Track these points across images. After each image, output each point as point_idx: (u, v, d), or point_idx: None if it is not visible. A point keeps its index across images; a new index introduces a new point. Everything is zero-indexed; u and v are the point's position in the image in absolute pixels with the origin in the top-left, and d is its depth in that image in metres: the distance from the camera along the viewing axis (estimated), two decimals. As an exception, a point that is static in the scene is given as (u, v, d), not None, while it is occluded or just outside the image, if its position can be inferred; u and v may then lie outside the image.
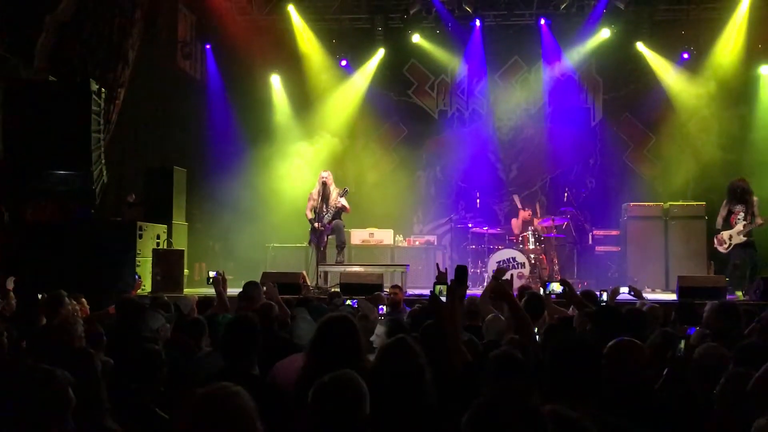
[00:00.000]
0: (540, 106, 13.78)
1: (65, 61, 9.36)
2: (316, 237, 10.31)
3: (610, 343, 3.30)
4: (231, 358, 3.45)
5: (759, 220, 9.57)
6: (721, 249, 9.91)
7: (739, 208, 9.74)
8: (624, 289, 6.44)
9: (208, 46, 13.20)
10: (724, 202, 10.01)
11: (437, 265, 4.76)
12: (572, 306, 5.98)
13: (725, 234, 9.79)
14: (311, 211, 10.36)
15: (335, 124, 13.68)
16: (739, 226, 9.70)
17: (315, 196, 10.35)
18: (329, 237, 10.44)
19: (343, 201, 10.31)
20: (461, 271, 3.70)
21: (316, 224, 10.21)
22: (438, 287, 4.04)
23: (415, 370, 2.84)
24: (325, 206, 10.25)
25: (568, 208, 11.86)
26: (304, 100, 13.73)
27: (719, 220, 9.97)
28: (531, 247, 11.17)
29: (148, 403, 3.20)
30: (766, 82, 12.50)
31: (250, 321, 3.62)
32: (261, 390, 2.72)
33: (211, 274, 6.01)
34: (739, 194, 9.74)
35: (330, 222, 10.28)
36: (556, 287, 5.54)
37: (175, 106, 12.24)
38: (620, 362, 3.21)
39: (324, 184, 10.30)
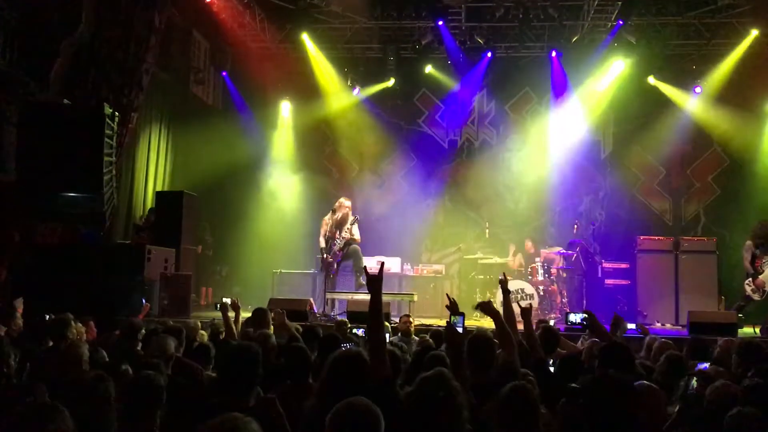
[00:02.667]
0: (550, 137, 13.79)
1: (80, 84, 9.46)
2: (326, 266, 10.18)
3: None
4: (227, 388, 3.38)
5: None
6: (755, 297, 9.54)
7: (763, 251, 9.48)
8: (631, 326, 6.39)
9: (224, 73, 13.32)
10: (749, 244, 9.68)
11: (447, 295, 4.71)
12: (581, 340, 5.94)
13: (757, 282, 9.47)
14: (323, 238, 10.23)
15: (345, 152, 13.75)
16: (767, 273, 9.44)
17: (328, 221, 10.18)
18: (344, 263, 10.26)
19: (355, 231, 10.10)
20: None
21: (325, 255, 10.09)
22: (454, 318, 4.03)
23: (452, 406, 2.80)
24: (338, 233, 10.11)
25: (577, 240, 11.81)
26: (315, 128, 13.83)
27: (747, 264, 9.62)
28: (540, 278, 11.11)
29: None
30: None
31: (251, 351, 3.50)
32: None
33: (225, 300, 5.97)
34: None
35: (341, 249, 10.12)
36: (576, 318, 5.52)
37: (187, 131, 12.33)
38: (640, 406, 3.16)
39: (343, 212, 10.11)
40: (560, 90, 13.58)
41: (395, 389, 3.05)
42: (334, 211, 10.11)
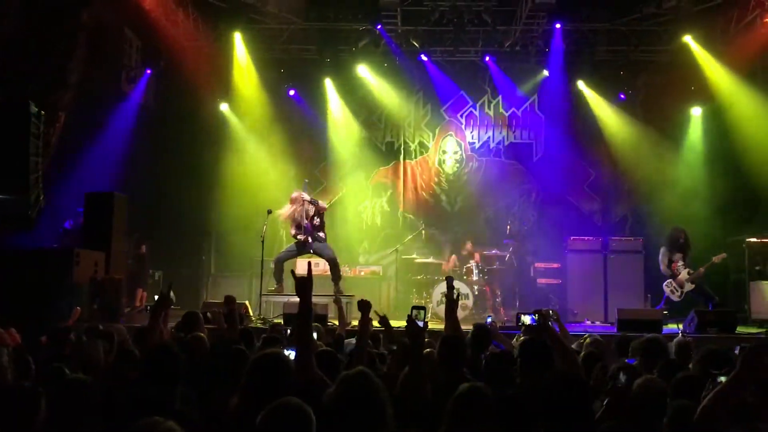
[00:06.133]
0: (485, 140, 14.07)
1: (4, 82, 9.11)
2: (302, 245, 10.15)
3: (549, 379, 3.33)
4: (151, 388, 3.38)
5: (702, 270, 10.12)
6: (674, 297, 10.28)
7: (678, 256, 10.28)
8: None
9: (148, 71, 12.95)
10: (664, 249, 10.44)
11: (376, 312, 4.83)
12: (515, 338, 6.04)
13: (677, 282, 10.23)
14: (293, 229, 10.15)
15: (282, 154, 13.64)
16: (685, 274, 10.17)
17: (287, 214, 10.14)
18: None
19: (315, 200, 10.13)
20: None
21: (299, 237, 10.05)
22: (415, 311, 4.10)
23: (375, 404, 2.81)
24: (303, 216, 10.08)
25: (510, 241, 12.06)
26: (251, 128, 13.66)
27: (665, 268, 10.38)
28: (474, 278, 11.29)
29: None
30: (697, 122, 13.05)
31: (169, 350, 3.53)
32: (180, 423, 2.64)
33: (157, 298, 5.82)
34: (680, 244, 10.30)
35: (320, 230, 10.12)
36: (527, 319, 5.56)
37: (118, 131, 12.00)
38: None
39: (297, 203, 10.12)
40: (494, 94, 13.98)
41: (320, 392, 3.05)
42: (292, 202, 10.14)
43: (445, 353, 4.09)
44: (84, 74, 10.38)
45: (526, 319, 5.69)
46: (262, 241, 10.13)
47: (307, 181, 10.46)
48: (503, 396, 3.28)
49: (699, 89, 12.62)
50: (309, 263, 3.92)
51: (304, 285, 3.55)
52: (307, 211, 10.06)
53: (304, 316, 3.56)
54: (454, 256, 12.15)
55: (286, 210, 10.13)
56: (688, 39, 11.99)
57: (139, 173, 12.14)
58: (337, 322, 7.42)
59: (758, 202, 11.70)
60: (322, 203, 10.30)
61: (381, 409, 2.81)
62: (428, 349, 4.78)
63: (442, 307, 10.28)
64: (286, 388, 3.02)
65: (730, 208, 11.77)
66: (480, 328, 5.35)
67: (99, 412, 3.27)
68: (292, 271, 3.84)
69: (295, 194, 10.23)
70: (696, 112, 13.05)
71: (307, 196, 10.09)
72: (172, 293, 5.70)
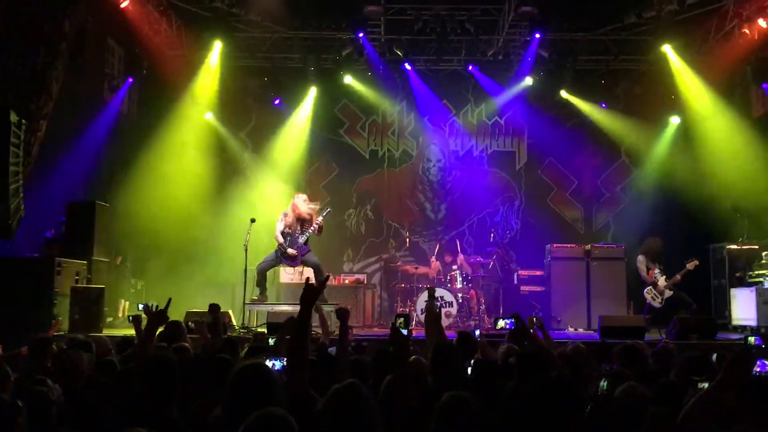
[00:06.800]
0: (468, 148, 14.15)
1: (-17, 90, 9.02)
2: (290, 261, 10.10)
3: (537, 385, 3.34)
4: (146, 399, 3.35)
5: (678, 277, 10.39)
6: (655, 304, 10.55)
7: (654, 265, 10.63)
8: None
9: (130, 80, 12.83)
10: (642, 258, 10.74)
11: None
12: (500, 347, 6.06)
13: (658, 289, 10.53)
14: (281, 233, 10.08)
15: (267, 162, 13.62)
16: (662, 281, 10.47)
17: (289, 220, 10.11)
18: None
19: (319, 221, 10.03)
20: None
21: (289, 250, 9.98)
22: (399, 320, 4.12)
23: (366, 416, 2.81)
24: (300, 227, 10.05)
25: (493, 249, 12.11)
26: (236, 137, 13.64)
27: (645, 276, 10.68)
28: (459, 286, 11.32)
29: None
30: (676, 131, 13.19)
31: (167, 362, 3.51)
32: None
33: (140, 307, 5.78)
34: (657, 253, 10.68)
35: (306, 243, 10.08)
36: (503, 323, 5.59)
37: (99, 140, 11.92)
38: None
39: (302, 207, 10.10)
40: (477, 103, 14.10)
41: (312, 408, 3.04)
42: (294, 208, 10.12)
43: (437, 361, 4.08)
44: (66, 83, 10.30)
45: (502, 323, 5.71)
46: (245, 250, 10.09)
47: (330, 210, 10.49)
48: (492, 403, 3.29)
49: (678, 98, 12.77)
50: (327, 277, 3.92)
51: (312, 294, 3.51)
52: (305, 229, 10.03)
53: (303, 325, 3.53)
54: (437, 263, 12.17)
55: (289, 215, 10.14)
56: (666, 48, 12.12)
57: (121, 182, 12.06)
58: (320, 331, 7.39)
59: (738, 210, 11.83)
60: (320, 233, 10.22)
61: (372, 420, 2.81)
62: (414, 357, 4.80)
63: (427, 315, 10.34)
64: (269, 398, 3.00)
65: (710, 216, 11.88)
66: (464, 336, 5.35)
67: (72, 423, 3.25)
68: (307, 279, 3.81)
69: (308, 208, 10.15)
70: (675, 121, 13.21)
71: (320, 223, 10.01)
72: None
